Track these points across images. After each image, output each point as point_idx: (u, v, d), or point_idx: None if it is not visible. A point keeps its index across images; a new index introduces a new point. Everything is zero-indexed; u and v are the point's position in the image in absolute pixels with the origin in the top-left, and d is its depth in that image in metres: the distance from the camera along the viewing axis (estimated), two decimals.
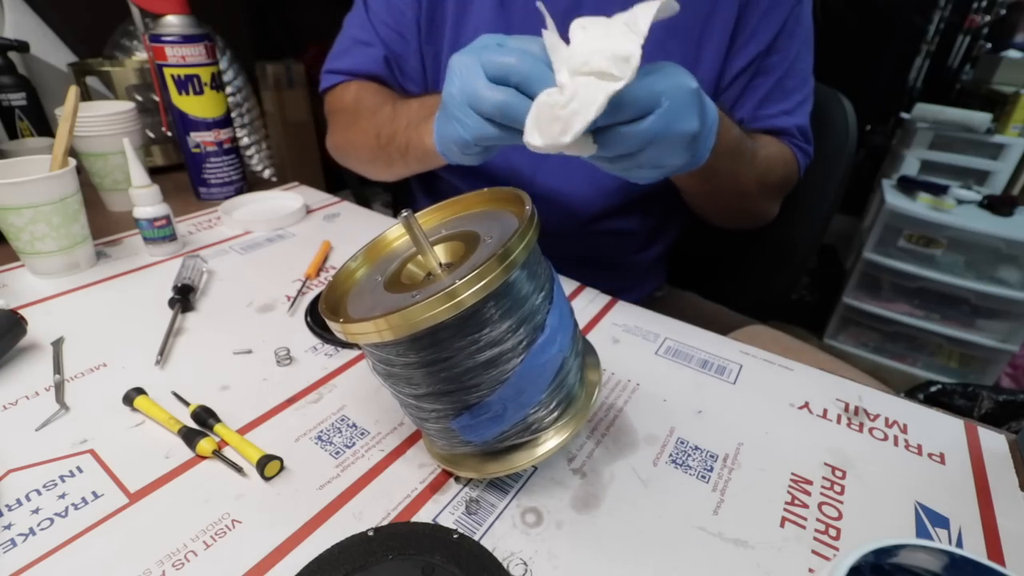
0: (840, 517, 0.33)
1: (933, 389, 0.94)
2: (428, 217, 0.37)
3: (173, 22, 0.66)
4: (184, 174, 0.76)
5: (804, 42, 0.61)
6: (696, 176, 0.52)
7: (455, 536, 0.29)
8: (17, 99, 0.76)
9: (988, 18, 1.85)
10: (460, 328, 0.27)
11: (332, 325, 0.28)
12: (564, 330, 0.31)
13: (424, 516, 0.32)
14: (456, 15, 0.61)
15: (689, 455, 0.37)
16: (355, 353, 0.46)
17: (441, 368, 0.28)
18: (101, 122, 0.65)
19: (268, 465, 0.34)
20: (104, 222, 0.67)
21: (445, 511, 0.32)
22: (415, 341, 0.28)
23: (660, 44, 0.57)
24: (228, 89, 0.88)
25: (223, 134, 0.73)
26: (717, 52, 0.58)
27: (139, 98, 0.85)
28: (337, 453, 0.36)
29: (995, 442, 0.40)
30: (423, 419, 0.32)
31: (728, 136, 0.48)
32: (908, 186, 1.69)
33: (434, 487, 0.34)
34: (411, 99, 0.61)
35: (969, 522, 0.33)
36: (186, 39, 0.65)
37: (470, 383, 0.28)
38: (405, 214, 0.30)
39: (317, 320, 0.48)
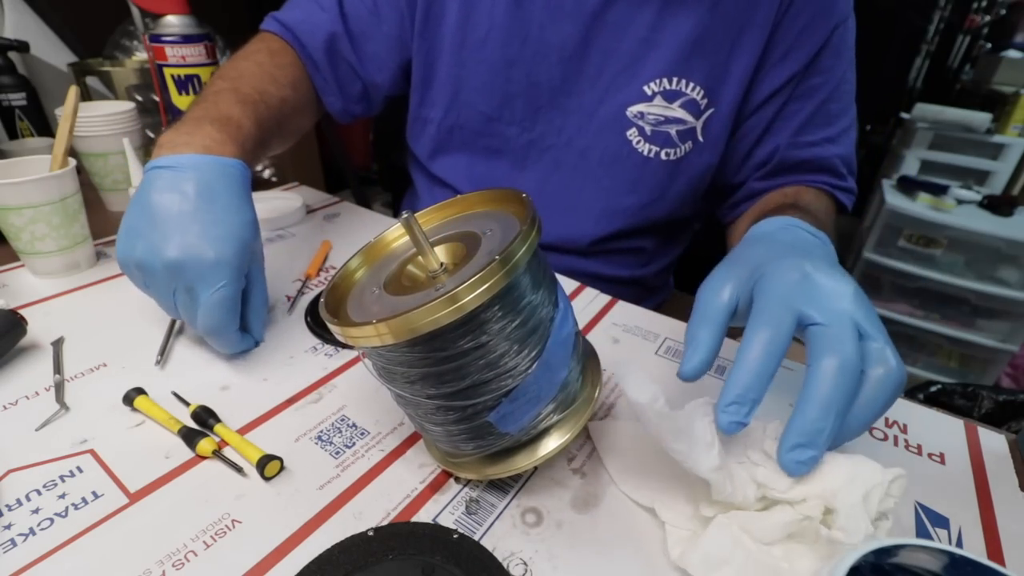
0: None
1: (933, 389, 0.93)
2: (428, 217, 0.37)
3: (173, 22, 0.66)
4: None
5: (850, 64, 0.58)
6: None
7: (455, 536, 0.29)
8: (17, 99, 0.76)
9: (988, 18, 1.85)
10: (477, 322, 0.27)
11: (336, 331, 0.28)
12: (571, 314, 0.32)
13: (424, 516, 0.32)
14: (462, 12, 0.58)
15: None
16: (355, 353, 0.46)
17: (479, 356, 0.28)
18: (101, 122, 0.65)
19: (268, 465, 0.34)
20: (104, 222, 0.67)
21: (445, 511, 0.32)
22: (457, 330, 0.27)
23: (687, 59, 0.55)
24: None
25: None
26: (746, 70, 0.55)
27: (139, 98, 0.85)
28: (337, 453, 0.36)
29: (995, 442, 0.40)
30: (447, 421, 0.31)
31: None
32: (908, 186, 1.69)
33: (434, 487, 0.34)
34: (232, 85, 0.50)
35: (969, 522, 0.33)
36: (186, 39, 0.65)
37: (506, 369, 0.29)
38: (405, 215, 0.30)
39: (317, 320, 0.48)
